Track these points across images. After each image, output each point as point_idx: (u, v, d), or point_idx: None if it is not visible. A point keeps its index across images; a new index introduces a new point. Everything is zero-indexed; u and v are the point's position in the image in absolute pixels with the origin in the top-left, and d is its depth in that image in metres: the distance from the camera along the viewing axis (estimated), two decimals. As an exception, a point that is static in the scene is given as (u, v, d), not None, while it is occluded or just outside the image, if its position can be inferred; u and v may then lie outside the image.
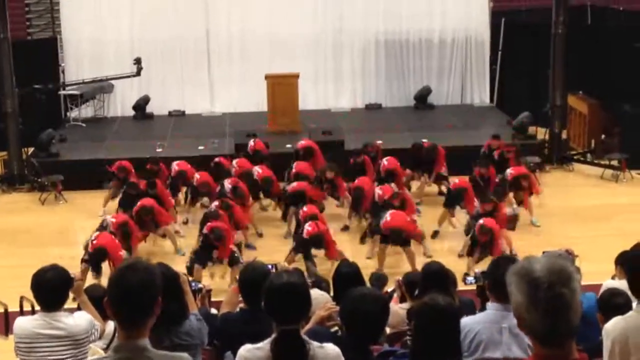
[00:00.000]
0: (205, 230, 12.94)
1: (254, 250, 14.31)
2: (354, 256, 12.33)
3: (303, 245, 13.10)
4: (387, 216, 13.31)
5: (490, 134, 17.61)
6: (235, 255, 12.89)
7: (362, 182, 15.22)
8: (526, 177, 15.53)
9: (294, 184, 15.24)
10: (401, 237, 13.26)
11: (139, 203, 14.25)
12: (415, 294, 7.10)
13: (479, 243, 13.04)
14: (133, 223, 13.76)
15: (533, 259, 3.01)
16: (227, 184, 15.01)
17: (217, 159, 16.68)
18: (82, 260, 12.62)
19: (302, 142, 17.17)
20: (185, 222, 15.82)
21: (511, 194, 15.47)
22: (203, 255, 12.84)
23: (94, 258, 12.49)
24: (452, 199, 15.10)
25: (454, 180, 15.61)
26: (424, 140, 17.38)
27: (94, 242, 12.56)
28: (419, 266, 7.46)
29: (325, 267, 12.78)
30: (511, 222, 14.66)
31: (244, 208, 14.76)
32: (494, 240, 12.88)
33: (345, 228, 15.38)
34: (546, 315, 2.93)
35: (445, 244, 14.76)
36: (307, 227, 13.01)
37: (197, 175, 15.72)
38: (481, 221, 13.08)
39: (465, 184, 15.09)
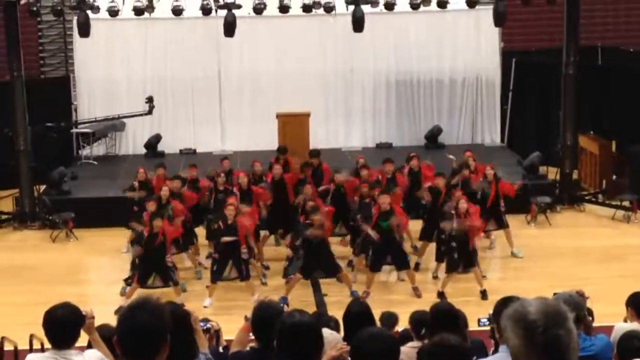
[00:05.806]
0: None
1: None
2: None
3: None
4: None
5: (500, 175, 17.43)
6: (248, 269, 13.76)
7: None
8: None
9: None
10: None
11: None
12: (421, 332, 7.06)
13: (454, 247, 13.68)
14: None
15: (525, 301, 2.98)
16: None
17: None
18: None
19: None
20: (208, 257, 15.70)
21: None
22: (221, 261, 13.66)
23: None
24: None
25: None
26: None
27: None
28: (427, 306, 7.43)
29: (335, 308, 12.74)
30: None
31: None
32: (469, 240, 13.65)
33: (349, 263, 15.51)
34: (544, 357, 2.90)
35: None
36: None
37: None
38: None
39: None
